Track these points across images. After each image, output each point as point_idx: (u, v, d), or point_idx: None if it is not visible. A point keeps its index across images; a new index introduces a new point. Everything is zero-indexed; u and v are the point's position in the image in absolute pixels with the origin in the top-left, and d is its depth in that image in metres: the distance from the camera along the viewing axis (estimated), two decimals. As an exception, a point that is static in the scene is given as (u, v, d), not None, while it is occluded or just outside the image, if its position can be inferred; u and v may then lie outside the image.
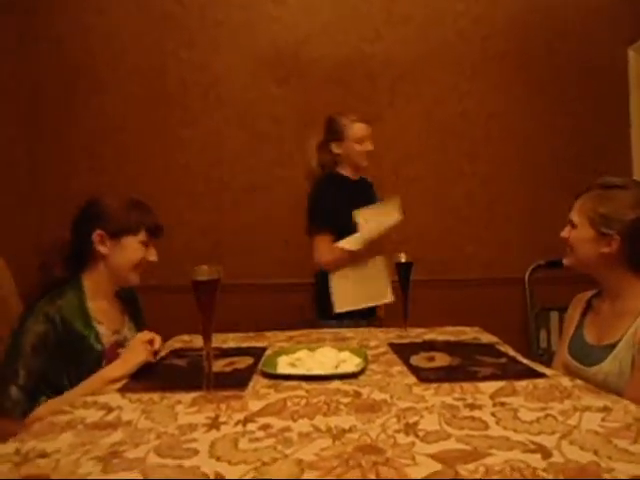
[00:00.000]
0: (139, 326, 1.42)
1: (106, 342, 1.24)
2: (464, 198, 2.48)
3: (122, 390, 1.02)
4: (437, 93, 2.48)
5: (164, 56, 2.45)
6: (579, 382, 1.01)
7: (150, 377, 1.12)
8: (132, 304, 1.43)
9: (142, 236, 1.28)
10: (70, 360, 1.16)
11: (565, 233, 1.25)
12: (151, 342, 1.20)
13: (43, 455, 0.71)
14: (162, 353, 1.35)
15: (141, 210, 1.30)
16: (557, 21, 2.48)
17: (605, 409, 0.84)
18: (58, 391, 1.12)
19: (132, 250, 1.27)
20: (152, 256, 1.32)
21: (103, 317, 1.27)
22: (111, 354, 1.23)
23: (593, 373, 1.16)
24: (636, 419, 0.79)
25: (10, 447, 0.74)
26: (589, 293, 1.34)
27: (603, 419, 0.80)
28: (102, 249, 1.25)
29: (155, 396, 0.98)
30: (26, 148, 2.41)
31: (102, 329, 1.25)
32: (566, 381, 1.01)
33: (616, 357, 1.14)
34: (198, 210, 2.45)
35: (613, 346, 1.15)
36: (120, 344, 1.30)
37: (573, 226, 1.23)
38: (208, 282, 0.95)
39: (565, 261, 1.27)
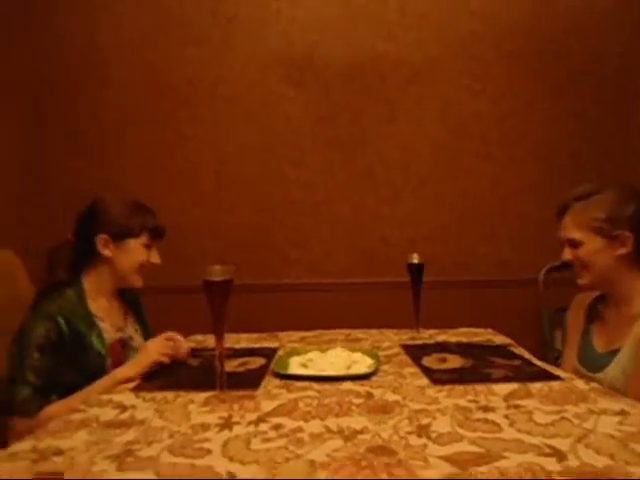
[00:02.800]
0: (144, 329, 1.43)
1: (109, 338, 1.25)
2: (477, 198, 2.45)
3: (136, 389, 1.03)
4: (450, 93, 2.45)
5: (172, 52, 2.43)
6: (595, 385, 0.99)
7: (164, 376, 1.13)
8: (135, 307, 1.43)
9: (144, 239, 1.29)
10: (74, 358, 1.17)
11: (569, 255, 1.20)
12: (171, 341, 1.21)
13: (59, 453, 0.72)
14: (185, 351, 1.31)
15: (143, 213, 1.31)
16: (572, 21, 2.44)
17: (622, 413, 0.83)
18: (68, 388, 1.13)
19: (135, 253, 1.29)
20: (154, 258, 1.33)
21: (104, 314, 1.28)
22: (115, 351, 1.25)
23: (600, 379, 1.14)
24: (654, 423, 0.78)
25: (27, 444, 0.76)
26: (590, 295, 1.31)
27: (620, 423, 0.78)
28: (106, 252, 1.27)
29: (169, 395, 0.99)
30: (30, 143, 2.42)
31: (105, 326, 1.26)
32: (582, 384, 1.00)
33: (619, 362, 1.12)
34: (208, 209, 2.45)
35: (617, 351, 1.14)
36: (124, 342, 1.31)
37: (575, 245, 1.18)
38: (220, 282, 0.96)
39: (581, 282, 1.21)
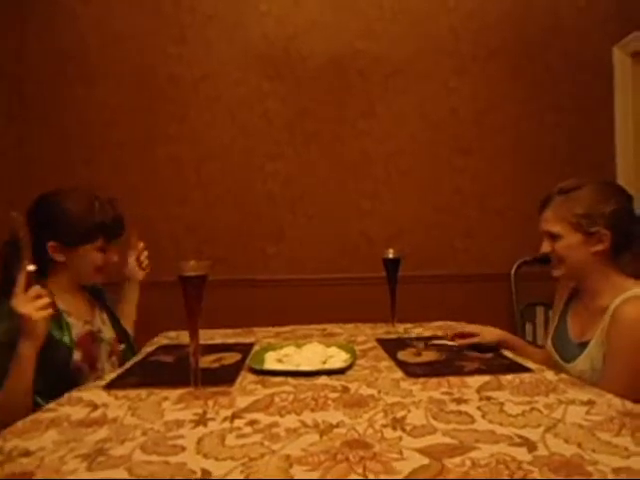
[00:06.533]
0: (113, 318, 1.41)
1: (77, 333, 1.22)
2: (454, 193, 2.48)
3: (108, 387, 1.01)
4: (429, 89, 2.47)
5: (154, 50, 2.41)
6: (564, 376, 1.02)
7: (137, 373, 1.11)
8: (99, 297, 1.41)
9: (98, 243, 1.25)
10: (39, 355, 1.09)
11: (547, 247, 1.22)
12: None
13: (26, 453, 0.70)
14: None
15: (97, 214, 1.23)
16: (547, 17, 2.49)
17: (589, 402, 0.85)
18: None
19: (89, 257, 1.25)
20: (112, 258, 1.30)
21: (71, 309, 1.25)
22: (85, 344, 1.22)
23: (568, 370, 1.17)
24: (619, 412, 0.80)
25: (-8, 445, 0.73)
26: None
27: (587, 412, 0.81)
28: (58, 257, 1.22)
29: (142, 392, 0.97)
30: (15, 143, 2.36)
31: (72, 320, 1.23)
32: (551, 375, 1.02)
33: (588, 355, 1.15)
34: (187, 205, 2.42)
35: (587, 344, 1.17)
36: (94, 335, 1.28)
37: (554, 238, 1.20)
38: (195, 278, 0.95)
39: (556, 273, 1.24)
